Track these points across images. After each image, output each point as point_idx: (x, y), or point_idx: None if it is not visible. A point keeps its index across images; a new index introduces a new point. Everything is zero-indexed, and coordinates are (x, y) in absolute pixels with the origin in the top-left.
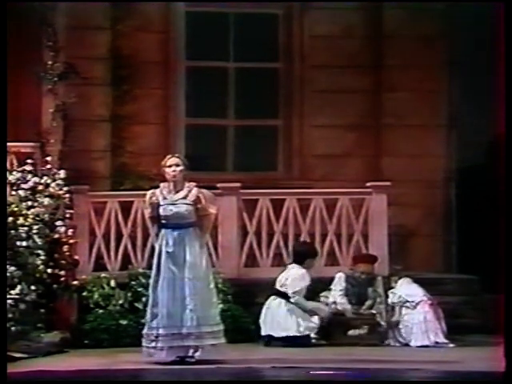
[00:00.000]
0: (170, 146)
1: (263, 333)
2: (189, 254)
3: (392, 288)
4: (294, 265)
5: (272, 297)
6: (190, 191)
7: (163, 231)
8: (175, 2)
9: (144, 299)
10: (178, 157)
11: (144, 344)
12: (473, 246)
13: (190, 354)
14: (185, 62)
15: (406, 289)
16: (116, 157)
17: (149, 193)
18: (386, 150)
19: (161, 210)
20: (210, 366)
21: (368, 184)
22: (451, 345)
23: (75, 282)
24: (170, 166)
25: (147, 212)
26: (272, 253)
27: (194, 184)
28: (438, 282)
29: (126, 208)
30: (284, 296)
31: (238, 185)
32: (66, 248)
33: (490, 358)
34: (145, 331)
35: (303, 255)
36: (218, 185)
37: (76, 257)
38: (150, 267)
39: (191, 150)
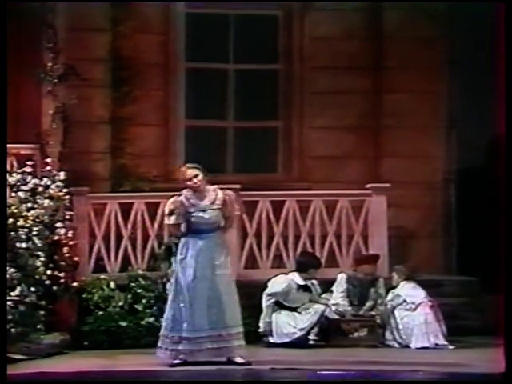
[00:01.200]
0: (170, 148)
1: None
2: (217, 257)
3: (393, 288)
4: (294, 273)
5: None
6: (216, 195)
7: (189, 236)
8: (176, 1)
9: (144, 301)
10: (194, 167)
11: (166, 346)
12: (473, 248)
13: (229, 356)
14: (185, 63)
15: (407, 290)
16: (116, 158)
17: (172, 201)
18: (385, 151)
19: (191, 218)
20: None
21: (368, 185)
22: (451, 346)
23: (75, 284)
24: (190, 179)
25: (171, 219)
26: (272, 254)
27: (217, 187)
28: (438, 284)
29: (125, 210)
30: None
31: (237, 186)
32: (65, 250)
33: (490, 360)
34: (165, 333)
35: (306, 265)
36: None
37: (76, 258)
38: (149, 269)
39: (191, 151)
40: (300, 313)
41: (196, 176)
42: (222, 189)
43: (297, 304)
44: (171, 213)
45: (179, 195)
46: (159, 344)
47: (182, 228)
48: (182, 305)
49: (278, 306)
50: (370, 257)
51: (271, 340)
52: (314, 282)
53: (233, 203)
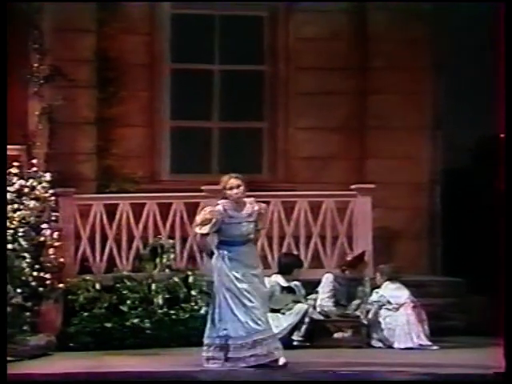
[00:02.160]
0: (155, 149)
1: None
2: (249, 268)
3: (377, 288)
4: (277, 275)
5: None
6: (253, 209)
7: (223, 248)
8: (162, 1)
9: (129, 302)
10: (237, 177)
11: (208, 354)
12: (458, 249)
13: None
14: (170, 64)
15: (391, 290)
16: (101, 159)
17: (209, 210)
18: (370, 152)
19: (226, 229)
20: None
21: (353, 186)
22: (434, 347)
23: (61, 285)
24: (231, 189)
25: (204, 229)
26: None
27: (253, 200)
28: (423, 285)
29: (111, 211)
30: None
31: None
32: (51, 251)
33: (478, 359)
34: (208, 341)
35: (289, 267)
36: (203, 187)
37: (61, 260)
38: (134, 270)
39: (176, 152)
40: (283, 314)
41: (238, 186)
42: (257, 202)
43: (280, 305)
44: (207, 222)
45: (216, 204)
46: (208, 354)
47: (209, 239)
48: (219, 314)
49: None
50: (361, 256)
51: None
52: (298, 283)
53: (266, 217)
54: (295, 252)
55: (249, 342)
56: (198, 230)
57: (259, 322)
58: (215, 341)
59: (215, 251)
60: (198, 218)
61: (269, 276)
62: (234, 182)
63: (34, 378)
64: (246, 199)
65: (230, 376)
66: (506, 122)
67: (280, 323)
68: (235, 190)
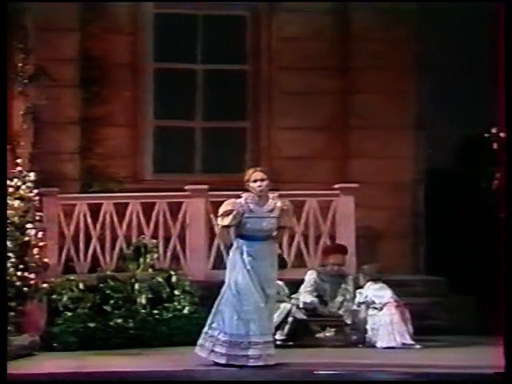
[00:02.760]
0: (139, 148)
1: None
2: (266, 266)
3: (360, 288)
4: None
5: None
6: (275, 204)
7: (241, 242)
8: (146, 1)
9: (112, 302)
10: (262, 171)
11: (204, 343)
12: (441, 248)
13: (251, 363)
14: (153, 63)
15: (373, 290)
16: (85, 159)
17: (231, 201)
18: (353, 151)
19: (246, 223)
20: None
21: (336, 186)
22: (418, 346)
23: (45, 285)
24: (255, 181)
25: (225, 220)
26: None
27: (277, 195)
28: (407, 284)
29: (94, 210)
30: None
31: (205, 187)
32: (35, 251)
33: (461, 359)
34: (208, 332)
35: None
36: (186, 187)
37: (46, 259)
38: (118, 270)
39: (159, 151)
40: None
41: (262, 180)
42: (281, 198)
43: None
44: (228, 213)
45: (239, 197)
46: (216, 349)
47: (231, 232)
48: (232, 310)
49: None
50: (337, 246)
51: None
52: (280, 282)
53: (290, 214)
54: (278, 251)
55: (245, 341)
56: (219, 221)
57: (259, 324)
58: (214, 333)
59: (234, 244)
60: (220, 210)
61: None
62: (258, 174)
63: (34, 378)
64: (269, 194)
65: (228, 376)
66: (506, 121)
67: None
68: (258, 183)
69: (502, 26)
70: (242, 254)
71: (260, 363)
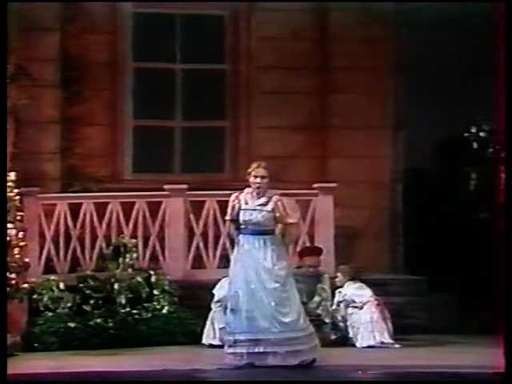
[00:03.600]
0: (118, 148)
1: None
2: (265, 260)
3: (339, 288)
4: None
5: None
6: (270, 199)
7: (241, 237)
8: (125, 1)
9: (92, 301)
10: (265, 167)
11: (226, 350)
12: (419, 247)
13: (270, 361)
14: (132, 63)
15: (353, 289)
16: (65, 159)
17: (233, 195)
18: (332, 151)
19: (241, 215)
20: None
21: (314, 185)
22: (397, 345)
23: (26, 285)
24: (255, 177)
25: (227, 214)
26: (218, 254)
27: (275, 192)
28: (385, 283)
29: (75, 210)
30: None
31: (184, 186)
32: (16, 251)
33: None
34: (225, 337)
35: None
36: (165, 186)
37: (26, 259)
38: (97, 269)
39: (139, 151)
40: None
41: (262, 178)
42: (281, 195)
43: None
44: (230, 207)
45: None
46: (230, 350)
47: (233, 226)
48: (233, 307)
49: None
50: (312, 248)
51: (214, 342)
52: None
53: (285, 208)
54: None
55: (253, 339)
56: (227, 214)
57: (267, 320)
58: (229, 334)
59: (237, 240)
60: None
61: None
62: (259, 171)
63: (35, 377)
64: (270, 191)
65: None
66: (506, 121)
67: None
68: (258, 180)
69: (502, 26)
70: (239, 249)
71: (277, 362)
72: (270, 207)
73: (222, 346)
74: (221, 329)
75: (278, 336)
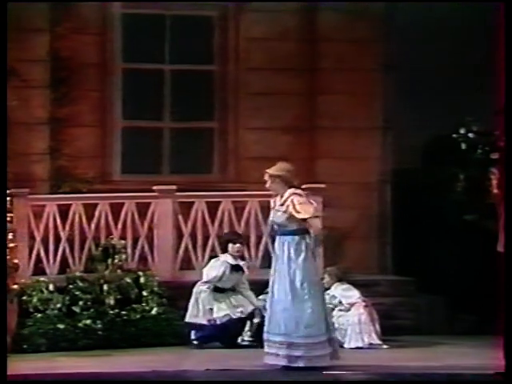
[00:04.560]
0: (107, 149)
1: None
2: (288, 261)
3: (326, 289)
4: (225, 255)
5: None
6: (287, 198)
7: (276, 237)
8: (114, 1)
9: (81, 303)
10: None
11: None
12: (408, 248)
13: (299, 363)
14: (121, 64)
15: (341, 290)
16: (54, 160)
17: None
18: (321, 152)
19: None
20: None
21: (303, 186)
22: (385, 346)
23: (15, 287)
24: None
25: None
26: (207, 255)
27: (292, 191)
28: (373, 284)
29: (64, 211)
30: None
31: (173, 187)
32: (6, 252)
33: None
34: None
35: (224, 241)
36: (154, 187)
37: (16, 261)
38: (87, 271)
39: (127, 152)
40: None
41: (270, 180)
42: (295, 193)
43: (228, 285)
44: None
45: None
46: (266, 350)
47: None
48: (269, 309)
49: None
50: None
51: (197, 321)
52: (244, 262)
53: (294, 206)
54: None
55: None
56: None
57: (292, 323)
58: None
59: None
60: None
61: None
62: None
63: (35, 378)
64: (288, 189)
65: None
66: (506, 121)
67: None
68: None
69: (502, 26)
70: (273, 249)
71: (301, 364)
72: (284, 207)
73: (205, 326)
74: (210, 310)
75: (304, 340)
